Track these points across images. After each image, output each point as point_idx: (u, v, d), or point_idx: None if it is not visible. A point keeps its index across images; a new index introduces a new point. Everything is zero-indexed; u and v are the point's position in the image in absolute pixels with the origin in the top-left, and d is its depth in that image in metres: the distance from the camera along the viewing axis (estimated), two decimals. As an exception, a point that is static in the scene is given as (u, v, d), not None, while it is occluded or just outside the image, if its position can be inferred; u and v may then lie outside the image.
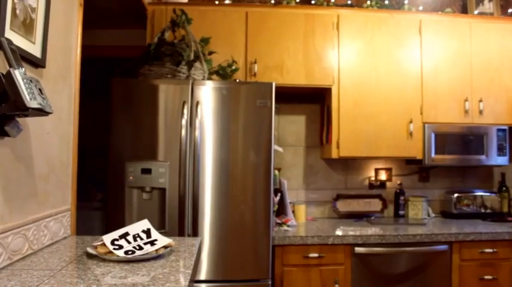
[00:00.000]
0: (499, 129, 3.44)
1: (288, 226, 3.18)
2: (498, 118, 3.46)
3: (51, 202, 1.76)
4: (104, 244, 1.54)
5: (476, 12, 3.74)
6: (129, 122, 2.55)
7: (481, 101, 3.42)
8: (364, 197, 3.70)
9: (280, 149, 3.30)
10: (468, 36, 3.44)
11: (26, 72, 1.30)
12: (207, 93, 2.58)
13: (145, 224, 1.68)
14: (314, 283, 2.83)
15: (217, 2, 3.29)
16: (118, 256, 1.47)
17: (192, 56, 2.66)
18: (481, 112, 3.43)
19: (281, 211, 3.35)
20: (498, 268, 2.99)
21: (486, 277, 2.97)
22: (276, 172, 3.28)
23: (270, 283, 2.58)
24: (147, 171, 2.52)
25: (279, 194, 3.28)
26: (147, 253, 1.50)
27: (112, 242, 1.54)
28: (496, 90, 3.45)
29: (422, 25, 3.40)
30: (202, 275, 2.54)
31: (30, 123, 1.54)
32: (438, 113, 3.39)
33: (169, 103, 2.56)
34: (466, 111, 3.41)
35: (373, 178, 3.73)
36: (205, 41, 2.91)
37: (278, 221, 3.22)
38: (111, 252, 1.49)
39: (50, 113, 1.37)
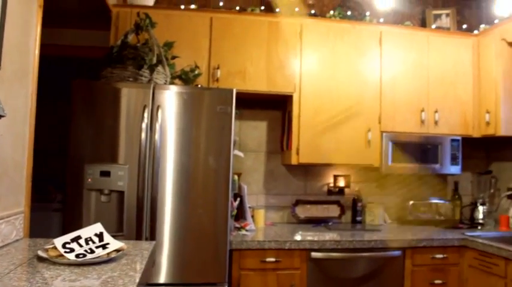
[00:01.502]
0: (452, 140, 3.58)
1: (247, 230, 3.22)
2: (452, 129, 3.60)
3: (2, 204, 1.75)
4: (55, 247, 1.54)
5: (434, 26, 3.88)
6: (90, 124, 2.54)
7: (436, 111, 3.55)
8: (322, 203, 3.76)
9: (241, 154, 3.33)
10: (426, 49, 3.57)
11: (-22, 74, 1.30)
12: (169, 97, 2.59)
13: (98, 227, 1.69)
14: None
15: (182, 7, 3.30)
16: (69, 259, 1.47)
17: (154, 60, 2.67)
18: (436, 123, 3.55)
19: (240, 215, 3.38)
20: (447, 272, 3.11)
21: (436, 281, 3.09)
22: (236, 176, 3.31)
23: (227, 286, 2.62)
24: (106, 173, 2.51)
25: (239, 199, 3.32)
26: (98, 257, 1.51)
27: (63, 246, 1.54)
28: (450, 102, 3.59)
29: (382, 37, 3.51)
30: (162, 279, 2.54)
31: (-18, 124, 1.54)
32: (396, 122, 3.50)
33: (130, 107, 2.56)
34: (423, 122, 3.53)
35: (331, 185, 3.80)
36: (168, 45, 2.92)
37: (237, 225, 3.25)
38: (62, 255, 1.49)
39: (3, 116, 1.37)
